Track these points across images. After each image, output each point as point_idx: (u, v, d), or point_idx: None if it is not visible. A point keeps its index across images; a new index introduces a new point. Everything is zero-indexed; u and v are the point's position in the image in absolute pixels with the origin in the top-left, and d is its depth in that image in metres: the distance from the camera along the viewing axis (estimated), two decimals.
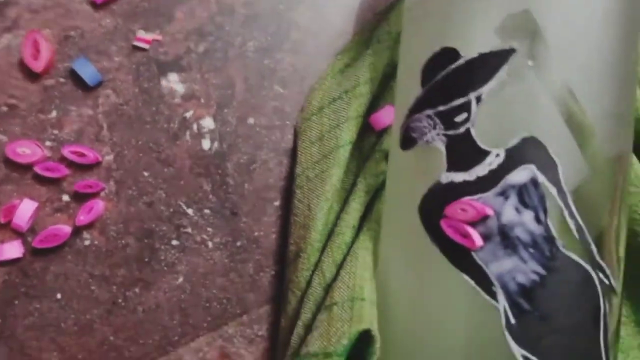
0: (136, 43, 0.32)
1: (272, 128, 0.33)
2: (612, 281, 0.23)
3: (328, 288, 0.28)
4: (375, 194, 0.30)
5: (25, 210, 0.30)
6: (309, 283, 0.29)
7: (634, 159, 0.29)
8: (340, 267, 0.28)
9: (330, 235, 0.29)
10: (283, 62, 0.33)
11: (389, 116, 0.30)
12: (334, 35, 0.33)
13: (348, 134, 0.30)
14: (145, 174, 0.32)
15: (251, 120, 0.33)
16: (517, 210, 0.22)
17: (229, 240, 0.32)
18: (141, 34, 0.33)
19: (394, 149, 0.26)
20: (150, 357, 0.31)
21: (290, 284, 0.30)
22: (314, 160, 0.30)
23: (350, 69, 0.31)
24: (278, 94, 0.33)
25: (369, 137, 0.31)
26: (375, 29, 0.32)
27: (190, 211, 0.32)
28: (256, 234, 0.32)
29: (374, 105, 0.31)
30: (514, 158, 0.23)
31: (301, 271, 0.29)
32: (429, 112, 0.24)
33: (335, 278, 0.28)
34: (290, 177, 0.33)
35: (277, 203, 0.32)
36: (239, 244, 0.32)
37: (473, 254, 0.23)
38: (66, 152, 0.31)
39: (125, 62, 0.32)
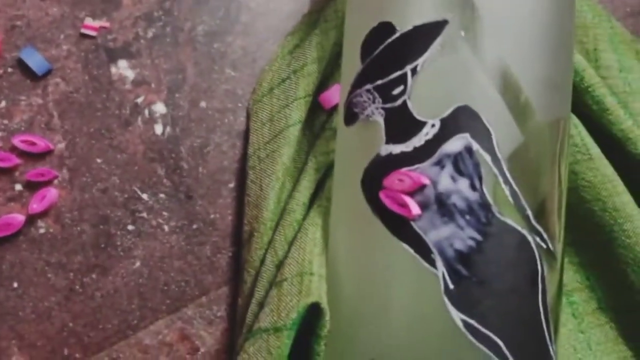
0: (84, 31, 0.34)
1: (224, 111, 0.34)
2: (550, 245, 0.25)
3: (280, 265, 0.29)
4: (326, 172, 0.31)
5: None
6: (262, 262, 0.30)
7: (581, 126, 0.31)
8: (291, 244, 0.29)
9: (282, 213, 0.31)
10: (233, 45, 0.34)
11: (338, 95, 0.32)
12: (284, 17, 0.35)
13: (297, 113, 0.31)
14: (99, 160, 0.33)
15: (203, 104, 0.34)
16: (452, 178, 0.24)
17: (185, 224, 0.33)
18: (88, 21, 0.34)
19: (340, 126, 0.28)
20: (110, 341, 0.32)
21: (246, 263, 0.31)
22: (265, 140, 0.32)
23: (299, 49, 0.33)
24: (229, 76, 0.34)
25: (319, 116, 0.33)
26: (323, 9, 0.33)
27: (145, 196, 0.33)
28: (212, 216, 0.33)
29: (323, 84, 0.33)
30: (448, 127, 0.24)
31: (255, 250, 0.31)
32: (369, 86, 0.26)
33: (286, 255, 0.29)
34: (244, 159, 0.34)
35: (231, 185, 0.34)
36: (195, 226, 0.33)
37: (412, 223, 0.24)
38: (17, 141, 0.32)
39: (73, 50, 0.34)
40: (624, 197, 0.30)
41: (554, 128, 0.25)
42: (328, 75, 0.33)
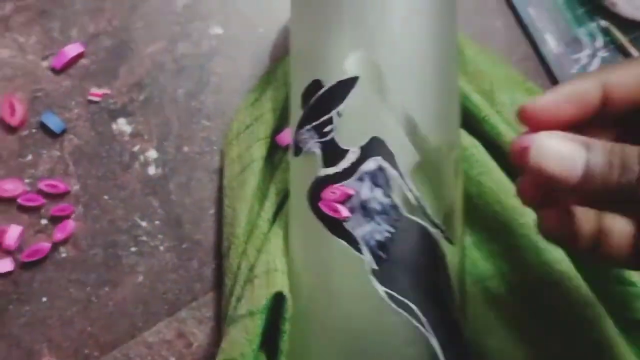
0: (90, 97, 0.38)
1: (202, 153, 0.39)
2: (448, 233, 0.30)
3: (252, 268, 0.34)
4: (285, 195, 0.36)
5: (13, 233, 0.36)
6: (239, 267, 0.35)
7: (481, 147, 0.36)
8: (260, 251, 0.34)
9: (252, 229, 0.36)
10: (207, 102, 0.39)
11: (289, 135, 0.37)
12: (244, 78, 0.40)
13: (259, 151, 0.37)
14: (106, 197, 0.38)
15: (186, 149, 0.39)
16: (370, 189, 0.29)
17: (176, 244, 0.38)
18: (94, 90, 0.39)
19: (291, 158, 0.33)
20: (121, 341, 0.37)
21: (226, 270, 0.36)
22: (235, 173, 0.37)
23: (258, 102, 0.38)
24: (205, 126, 0.39)
25: (277, 152, 0.38)
26: (274, 71, 0.39)
27: (143, 223, 0.38)
28: (197, 237, 0.38)
29: (279, 128, 0.38)
30: (365, 153, 0.29)
31: (233, 259, 0.35)
32: (308, 127, 0.31)
33: (256, 260, 0.34)
34: (220, 190, 0.39)
35: (212, 211, 0.39)
36: (184, 246, 0.38)
37: (343, 223, 0.29)
38: (42, 185, 0.37)
39: (82, 112, 0.38)
40: (517, 199, 0.36)
41: (445, 149, 0.30)
42: (282, 121, 0.38)
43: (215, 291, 0.38)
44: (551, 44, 0.43)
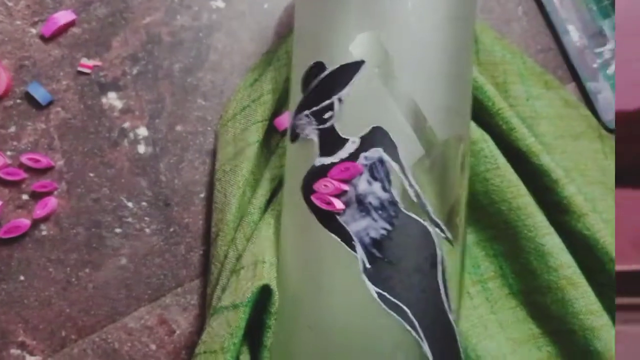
0: (80, 68, 0.37)
1: (196, 134, 0.38)
2: (449, 234, 0.29)
3: (240, 258, 0.33)
4: (280, 182, 0.35)
5: None
6: (226, 256, 0.34)
7: (491, 141, 0.35)
8: (249, 240, 0.33)
9: (243, 216, 0.35)
10: (204, 79, 0.38)
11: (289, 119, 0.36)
12: (245, 56, 0.38)
13: (255, 134, 0.35)
14: (91, 175, 0.37)
15: (179, 128, 0.38)
16: (369, 182, 0.28)
17: (163, 227, 0.37)
18: (84, 60, 0.37)
19: (287, 143, 0.32)
20: (101, 325, 0.36)
21: (213, 258, 0.35)
22: (229, 157, 0.36)
23: (257, 83, 0.37)
24: (200, 105, 0.38)
25: (274, 136, 0.37)
26: (276, 50, 0.38)
27: (130, 204, 0.37)
28: (186, 220, 0.37)
29: (278, 111, 0.37)
30: (366, 143, 0.28)
31: (220, 247, 0.34)
32: (307, 112, 0.30)
33: (245, 249, 0.33)
34: (213, 173, 0.37)
35: (202, 195, 0.37)
36: (172, 229, 0.37)
37: (338, 217, 0.28)
38: (24, 159, 0.36)
39: (71, 84, 0.37)
40: (525, 199, 0.34)
41: (452, 144, 0.29)
42: (282, 104, 0.37)
43: (202, 278, 0.37)
44: (574, 35, 0.41)
